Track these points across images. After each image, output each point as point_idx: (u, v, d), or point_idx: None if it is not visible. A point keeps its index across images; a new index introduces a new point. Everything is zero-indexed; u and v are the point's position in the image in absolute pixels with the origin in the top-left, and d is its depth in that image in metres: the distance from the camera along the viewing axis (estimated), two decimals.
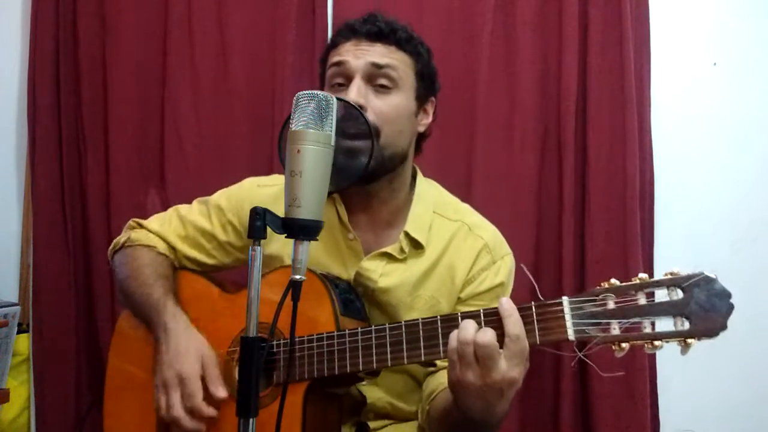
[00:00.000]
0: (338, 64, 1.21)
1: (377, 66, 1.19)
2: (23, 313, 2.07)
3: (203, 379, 1.13)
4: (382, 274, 1.22)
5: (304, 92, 0.93)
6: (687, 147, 1.97)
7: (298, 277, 0.90)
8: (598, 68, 1.90)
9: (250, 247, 0.90)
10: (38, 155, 2.07)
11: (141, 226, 1.37)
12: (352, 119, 1.08)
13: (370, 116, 1.15)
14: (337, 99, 0.96)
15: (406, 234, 1.23)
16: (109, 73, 2.05)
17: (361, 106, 1.14)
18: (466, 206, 1.35)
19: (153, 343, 1.20)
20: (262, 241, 0.91)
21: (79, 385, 2.05)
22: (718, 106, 1.97)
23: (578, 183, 1.91)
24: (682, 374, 1.90)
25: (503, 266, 1.27)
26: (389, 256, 1.23)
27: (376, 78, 1.19)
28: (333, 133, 0.93)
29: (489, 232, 1.29)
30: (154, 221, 1.38)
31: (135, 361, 1.27)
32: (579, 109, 1.90)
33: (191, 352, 1.14)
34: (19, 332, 2.02)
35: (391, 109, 1.19)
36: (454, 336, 0.97)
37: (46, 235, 2.06)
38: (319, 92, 0.93)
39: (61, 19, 2.06)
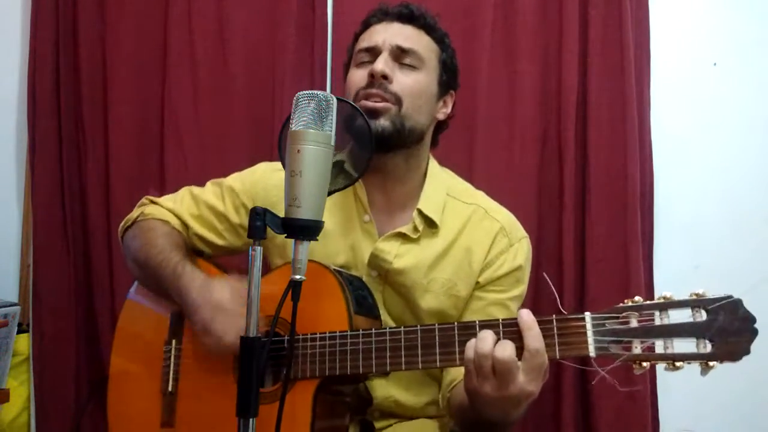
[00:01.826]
0: (368, 46, 1.24)
1: (404, 49, 1.23)
2: (23, 313, 2.06)
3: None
4: (396, 255, 1.23)
5: (304, 92, 0.93)
6: (687, 147, 1.97)
7: (298, 277, 0.90)
8: (598, 68, 1.90)
9: (250, 248, 0.90)
10: (38, 155, 2.06)
11: (154, 202, 1.38)
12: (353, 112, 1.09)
13: (395, 87, 1.20)
14: (338, 99, 0.96)
15: (419, 212, 1.24)
16: (109, 73, 2.05)
17: (386, 76, 1.19)
18: (479, 191, 1.36)
19: (165, 321, 1.22)
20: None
21: (79, 385, 2.04)
22: (718, 106, 1.97)
23: (578, 183, 1.90)
24: (682, 374, 1.89)
25: (521, 249, 1.27)
26: (403, 236, 1.24)
27: (403, 57, 1.23)
28: (333, 133, 0.93)
29: (504, 215, 1.30)
30: (167, 199, 1.38)
31: (141, 347, 1.28)
32: (579, 109, 1.90)
33: (217, 284, 1.15)
34: (19, 332, 2.01)
35: (414, 83, 1.22)
36: (471, 346, 0.96)
37: (46, 235, 2.06)
38: (319, 92, 0.93)
39: (61, 19, 2.06)
